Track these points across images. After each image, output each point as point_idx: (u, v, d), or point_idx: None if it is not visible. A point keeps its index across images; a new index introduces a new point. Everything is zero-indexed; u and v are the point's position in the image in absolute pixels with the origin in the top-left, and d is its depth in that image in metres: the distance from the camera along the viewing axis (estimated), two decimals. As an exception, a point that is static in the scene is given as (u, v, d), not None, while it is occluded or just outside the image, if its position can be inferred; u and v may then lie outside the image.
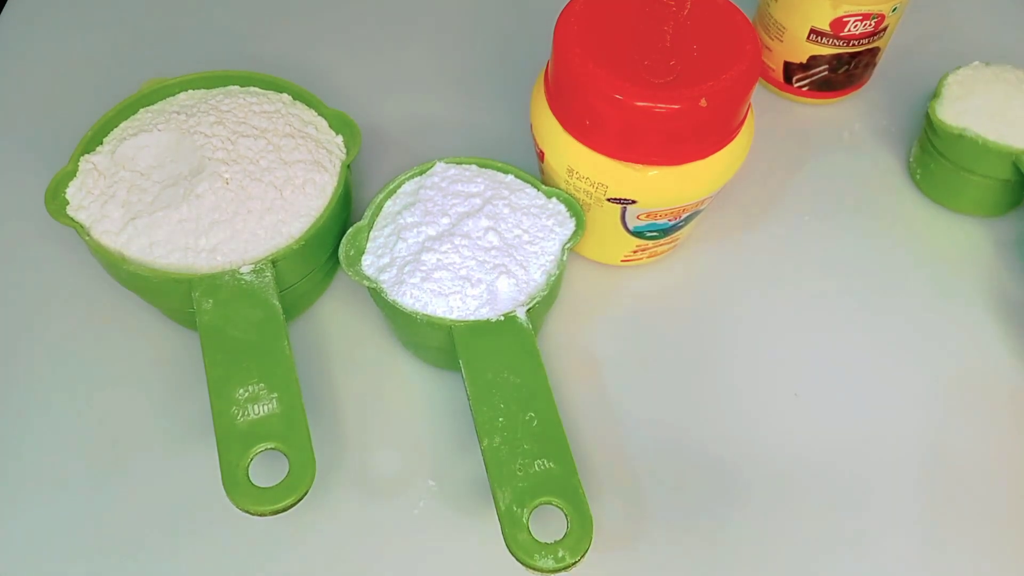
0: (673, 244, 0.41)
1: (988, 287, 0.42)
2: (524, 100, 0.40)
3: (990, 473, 0.36)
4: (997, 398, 0.38)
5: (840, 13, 0.43)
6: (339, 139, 0.39)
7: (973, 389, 0.38)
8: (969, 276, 0.42)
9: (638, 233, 0.38)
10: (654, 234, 0.38)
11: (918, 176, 0.44)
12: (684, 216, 0.37)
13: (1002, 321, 0.40)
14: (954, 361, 0.39)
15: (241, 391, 0.31)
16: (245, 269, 0.34)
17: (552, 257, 0.36)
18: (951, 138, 0.41)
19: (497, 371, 0.33)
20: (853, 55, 0.45)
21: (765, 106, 0.49)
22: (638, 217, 0.37)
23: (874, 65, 0.48)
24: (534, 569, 0.29)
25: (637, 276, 0.42)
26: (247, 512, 0.29)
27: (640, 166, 0.34)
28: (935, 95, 0.43)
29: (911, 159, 0.45)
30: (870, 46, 0.45)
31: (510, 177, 0.38)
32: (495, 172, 0.38)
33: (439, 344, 0.35)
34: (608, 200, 0.36)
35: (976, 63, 0.44)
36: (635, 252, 0.40)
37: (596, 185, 0.35)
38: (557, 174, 0.37)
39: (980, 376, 0.39)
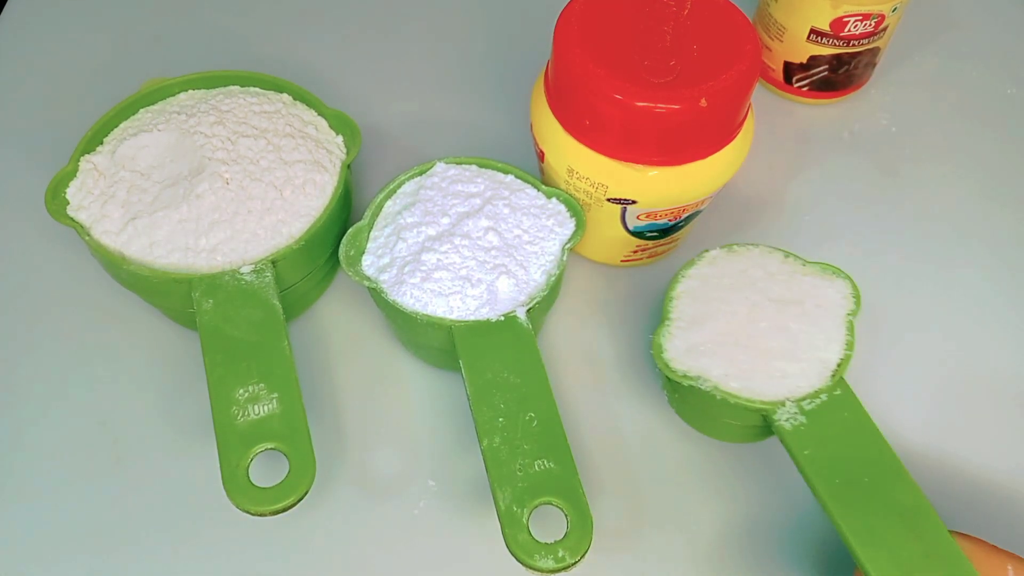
0: (673, 244, 0.41)
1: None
2: (524, 100, 0.40)
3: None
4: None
5: (840, 13, 0.43)
6: (339, 139, 0.39)
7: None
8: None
9: (638, 233, 0.38)
10: (654, 234, 0.38)
11: (666, 394, 0.36)
12: (684, 216, 0.37)
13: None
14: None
15: (241, 391, 0.31)
16: (245, 269, 0.34)
17: (552, 257, 0.36)
18: (683, 388, 0.32)
19: (497, 371, 0.33)
20: (853, 55, 0.45)
21: (765, 106, 0.49)
22: (638, 217, 0.37)
23: (874, 65, 0.48)
24: (534, 569, 0.29)
25: (637, 276, 0.42)
26: (247, 512, 0.29)
27: (640, 166, 0.34)
28: (662, 319, 0.33)
29: (657, 371, 0.36)
30: (870, 46, 0.45)
31: (510, 177, 0.38)
32: (495, 172, 0.38)
33: (439, 344, 0.35)
34: (608, 200, 0.36)
35: (714, 252, 0.35)
36: (635, 252, 0.40)
37: (596, 185, 0.35)
38: (557, 174, 0.37)
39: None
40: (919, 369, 0.39)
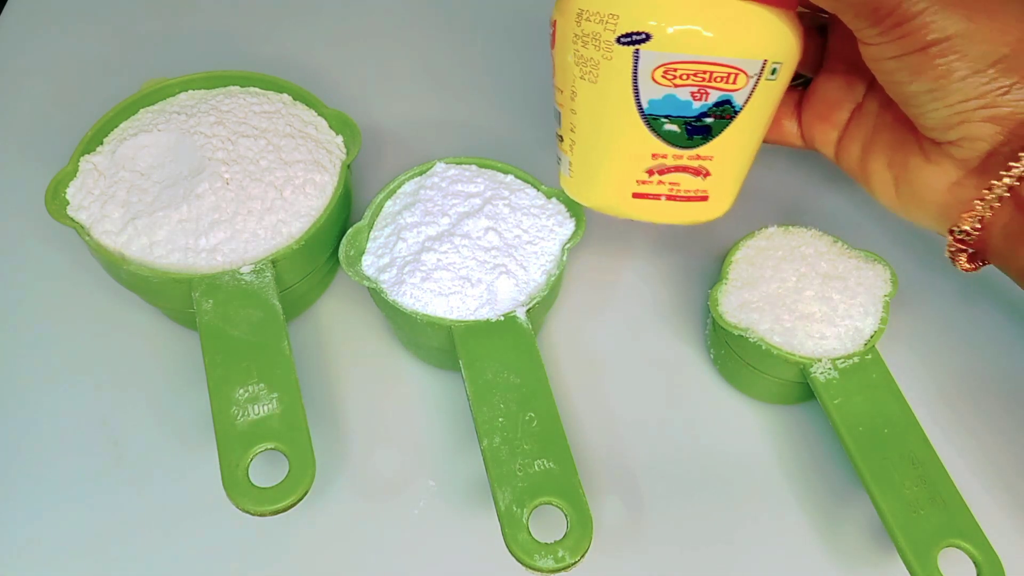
0: (699, 181, 0.33)
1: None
2: (524, 100, 0.40)
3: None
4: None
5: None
6: (339, 139, 0.40)
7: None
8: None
9: (653, 120, 0.32)
10: (674, 129, 0.32)
11: (712, 354, 0.39)
12: (711, 98, 0.31)
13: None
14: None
15: (241, 391, 0.31)
16: (245, 269, 0.34)
17: (552, 257, 0.36)
18: (733, 336, 0.35)
19: (497, 371, 0.33)
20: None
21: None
22: (654, 77, 0.30)
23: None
24: (534, 569, 0.29)
25: (637, 277, 0.42)
26: (247, 512, 0.29)
27: None
28: (720, 278, 0.37)
29: (706, 331, 0.39)
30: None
31: (510, 177, 0.38)
32: (495, 172, 0.38)
33: (439, 344, 0.35)
34: (618, 41, 0.30)
35: (772, 228, 0.38)
36: (650, 175, 0.33)
37: (606, 20, 0.30)
38: (565, 37, 0.31)
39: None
40: (911, 367, 0.39)
